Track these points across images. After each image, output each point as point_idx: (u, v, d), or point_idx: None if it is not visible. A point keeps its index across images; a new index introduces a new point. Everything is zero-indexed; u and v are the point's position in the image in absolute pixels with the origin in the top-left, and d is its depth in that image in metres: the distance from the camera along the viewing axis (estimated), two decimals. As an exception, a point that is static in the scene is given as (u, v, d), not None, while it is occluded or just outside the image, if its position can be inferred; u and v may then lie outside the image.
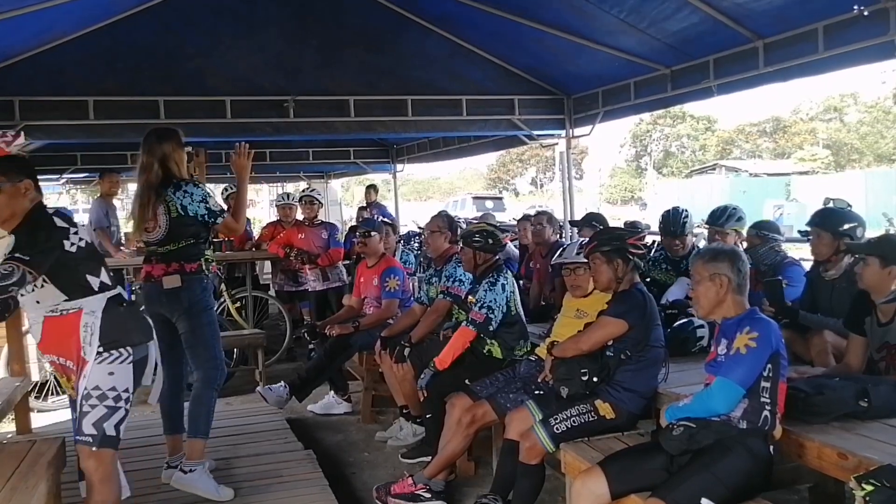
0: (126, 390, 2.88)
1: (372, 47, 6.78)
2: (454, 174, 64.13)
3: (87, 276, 2.89)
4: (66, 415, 5.91)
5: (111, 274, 3.01)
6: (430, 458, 4.30)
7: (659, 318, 3.57)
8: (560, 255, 4.20)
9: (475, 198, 29.07)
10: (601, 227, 5.77)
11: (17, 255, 2.67)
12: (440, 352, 4.74)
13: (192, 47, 6.30)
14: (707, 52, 5.55)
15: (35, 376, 5.88)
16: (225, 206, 4.03)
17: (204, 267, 3.85)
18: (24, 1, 4.52)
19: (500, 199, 30.92)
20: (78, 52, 5.86)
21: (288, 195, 8.36)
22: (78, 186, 18.80)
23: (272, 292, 8.13)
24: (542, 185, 55.24)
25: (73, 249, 2.83)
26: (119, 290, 3.01)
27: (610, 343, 3.48)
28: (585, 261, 3.78)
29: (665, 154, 52.70)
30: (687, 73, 5.88)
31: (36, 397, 5.85)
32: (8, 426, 5.14)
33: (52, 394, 6.22)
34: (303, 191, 7.88)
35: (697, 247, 5.38)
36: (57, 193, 21.04)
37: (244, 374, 6.63)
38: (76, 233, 2.86)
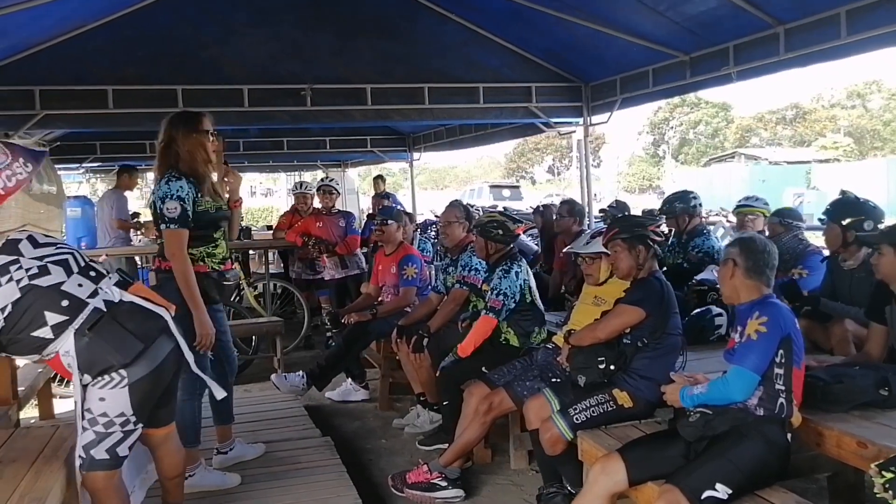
0: (121, 415, 2.63)
1: (387, 35, 6.78)
2: (471, 163, 64.08)
3: (33, 334, 2.58)
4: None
5: (67, 302, 2.61)
6: (447, 445, 4.31)
7: (676, 305, 3.55)
8: (573, 244, 4.18)
9: (492, 186, 28.98)
10: (620, 212, 5.79)
11: None
12: (457, 340, 4.76)
13: (208, 36, 6.34)
14: (727, 39, 5.49)
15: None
16: (191, 217, 3.56)
17: (208, 268, 3.64)
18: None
19: (518, 187, 30.77)
20: (97, 41, 5.91)
21: (304, 184, 8.39)
22: (98, 175, 18.94)
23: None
24: (559, 174, 55.02)
25: (1, 325, 2.54)
26: (84, 314, 2.62)
27: (627, 331, 3.46)
28: (593, 252, 3.78)
29: (682, 142, 52.30)
30: (706, 60, 5.83)
31: (58, 384, 5.92)
32: (31, 412, 5.21)
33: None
34: (320, 180, 7.90)
35: (707, 230, 5.42)
36: (77, 182, 21.22)
37: (262, 362, 6.68)
38: None
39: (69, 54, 5.87)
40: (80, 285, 2.66)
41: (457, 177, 62.15)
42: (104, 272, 2.81)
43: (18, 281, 2.56)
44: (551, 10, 5.93)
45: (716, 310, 4.21)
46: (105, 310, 2.66)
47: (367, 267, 7.24)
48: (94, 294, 2.67)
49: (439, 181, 59.53)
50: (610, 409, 3.43)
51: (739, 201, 5.13)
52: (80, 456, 2.67)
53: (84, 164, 11.96)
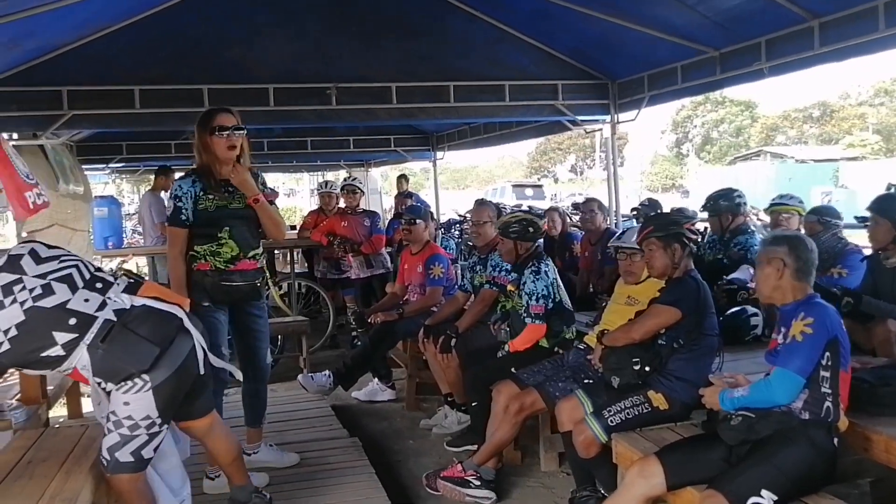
0: (146, 418, 2.59)
1: (412, 33, 6.71)
2: (492, 162, 63.95)
3: (43, 354, 2.53)
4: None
5: (74, 321, 2.55)
6: (476, 446, 4.26)
7: (713, 305, 3.47)
8: (619, 238, 4.10)
9: (515, 185, 28.90)
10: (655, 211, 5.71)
11: None
12: (486, 341, 4.72)
13: (232, 35, 6.31)
14: (758, 33, 5.36)
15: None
16: (189, 216, 3.58)
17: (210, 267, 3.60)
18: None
19: (540, 186, 30.65)
20: (123, 41, 5.90)
21: (329, 183, 8.37)
22: (123, 176, 19.10)
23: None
24: (581, 173, 54.76)
25: (6, 348, 2.48)
26: (94, 328, 2.57)
27: (662, 332, 3.39)
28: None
29: (705, 140, 51.82)
30: (737, 55, 5.69)
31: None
32: (59, 410, 5.22)
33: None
34: (344, 179, 7.88)
35: (752, 227, 5.31)
36: (103, 183, 21.41)
37: (288, 361, 6.66)
38: None
39: (96, 55, 5.86)
40: (86, 300, 2.60)
41: (478, 176, 62.06)
42: (111, 280, 2.75)
43: (22, 303, 2.50)
44: (578, 6, 5.84)
45: (751, 309, 4.11)
46: (116, 319, 2.61)
47: (392, 266, 7.20)
48: (102, 306, 2.62)
49: (460, 181, 59.44)
50: (645, 411, 3.36)
51: (773, 199, 5.02)
52: (104, 458, 2.65)
53: (110, 165, 12.04)
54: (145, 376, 2.57)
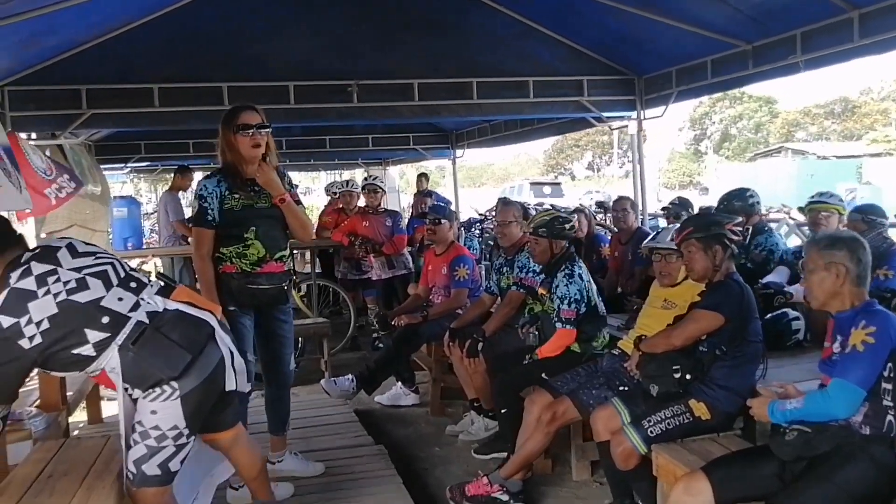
0: (173, 428, 2.49)
1: (434, 28, 6.60)
2: (508, 160, 63.71)
3: (73, 351, 2.45)
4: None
5: (108, 319, 2.47)
6: (505, 454, 4.14)
7: (757, 310, 3.31)
8: (653, 238, 3.95)
9: (533, 183, 28.68)
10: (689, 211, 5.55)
11: None
12: (514, 344, 4.58)
13: (253, 31, 6.23)
14: (794, 26, 5.19)
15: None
16: (215, 216, 3.47)
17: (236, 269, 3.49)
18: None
19: (559, 184, 30.41)
20: (143, 39, 5.83)
21: (350, 182, 8.26)
22: (141, 175, 19.13)
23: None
24: (598, 170, 54.43)
25: (38, 341, 2.39)
26: (127, 328, 2.49)
27: (704, 338, 3.24)
28: (679, 249, 3.53)
29: (723, 137, 51.33)
30: (770, 49, 5.53)
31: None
32: (79, 415, 5.14)
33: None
34: (365, 179, 7.76)
35: (768, 227, 5.16)
36: (121, 182, 21.47)
37: (309, 363, 6.55)
38: (29, 319, 2.38)
39: (115, 53, 5.80)
40: (120, 299, 2.53)
41: (493, 174, 61.88)
42: (146, 281, 2.69)
43: (56, 295, 2.43)
44: (604, -1, 5.69)
45: (792, 313, 3.94)
46: (148, 322, 2.53)
47: (413, 267, 7.08)
48: (135, 307, 2.54)
49: (476, 178, 59.24)
50: (686, 421, 3.21)
51: (812, 197, 4.84)
52: (130, 471, 2.54)
53: (129, 164, 12.01)
54: (174, 383, 2.48)
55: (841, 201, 4.78)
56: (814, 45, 5.13)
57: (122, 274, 2.62)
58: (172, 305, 2.63)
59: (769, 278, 4.49)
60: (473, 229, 10.51)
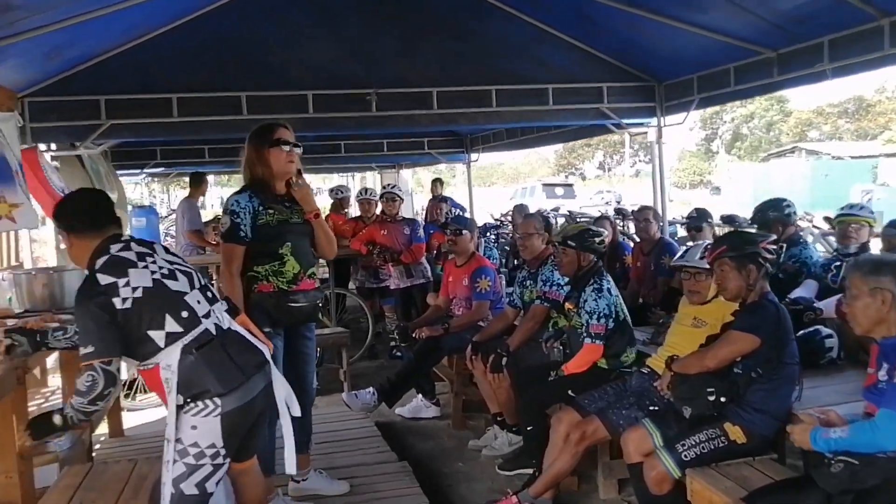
0: (212, 446, 2.53)
1: (453, 35, 6.54)
2: (519, 159, 63.46)
3: (149, 332, 2.51)
4: (154, 414, 5.92)
5: (186, 314, 2.57)
6: (531, 470, 4.09)
7: (793, 331, 3.25)
8: (682, 256, 3.88)
9: (545, 185, 28.59)
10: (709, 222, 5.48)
11: (82, 350, 2.42)
12: (538, 359, 4.53)
13: (272, 39, 6.19)
14: (821, 33, 5.10)
15: (124, 374, 5.90)
16: (247, 232, 3.41)
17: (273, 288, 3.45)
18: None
19: (571, 185, 30.29)
20: (162, 49, 5.80)
21: (368, 190, 8.22)
22: (155, 178, 19.17)
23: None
24: (609, 170, 54.26)
25: (128, 305, 2.48)
26: (196, 331, 2.57)
27: (738, 359, 3.18)
28: (709, 267, 3.47)
29: (735, 136, 51.04)
30: (796, 56, 5.43)
31: (125, 396, 5.85)
32: (100, 427, 5.13)
33: (141, 392, 6.24)
34: (384, 187, 7.71)
35: (804, 239, 5.07)
36: (134, 184, 21.54)
37: (327, 374, 6.51)
38: (127, 283, 2.49)
39: (133, 63, 5.77)
40: (198, 301, 2.65)
41: (504, 174, 61.76)
42: (217, 296, 2.80)
43: (153, 272, 2.57)
44: (624, 6, 5.62)
45: (825, 330, 3.86)
46: (214, 334, 2.62)
47: (432, 276, 7.02)
48: (207, 315, 2.65)
49: (486, 178, 59.10)
50: (721, 444, 3.15)
51: (842, 209, 4.77)
52: (169, 491, 2.55)
53: (145, 170, 12.01)
54: (217, 400, 2.52)
55: (871, 213, 4.70)
56: (842, 52, 5.03)
57: (201, 283, 2.74)
58: (235, 327, 2.74)
59: (797, 292, 4.41)
60: (489, 234, 10.44)
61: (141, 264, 2.57)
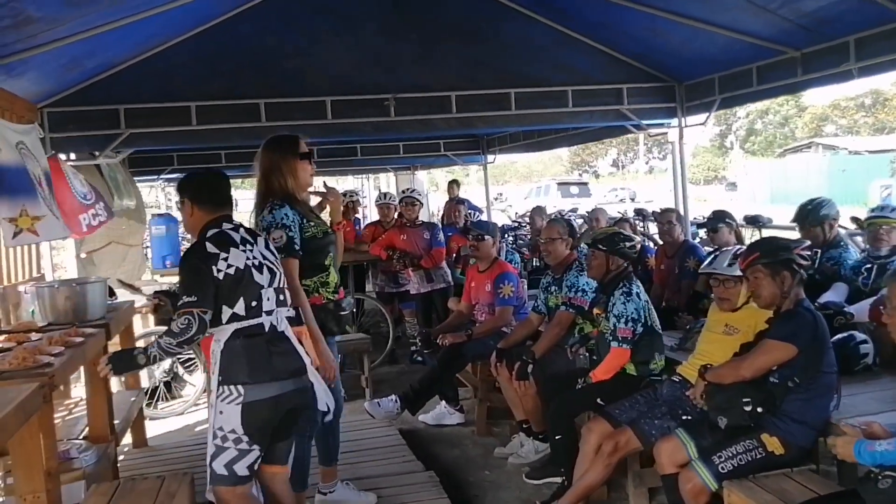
0: (233, 431, 2.75)
1: (472, 39, 6.49)
2: (533, 157, 63.01)
3: (223, 304, 2.77)
4: (176, 423, 5.92)
5: (255, 303, 2.82)
6: (560, 479, 4.04)
7: (830, 340, 3.18)
8: (710, 263, 3.81)
9: (560, 184, 28.48)
10: (729, 223, 5.39)
11: (185, 298, 2.67)
12: (564, 365, 4.48)
13: (290, 46, 6.16)
14: (847, 32, 5.00)
15: (145, 382, 5.89)
16: (299, 245, 3.41)
17: (323, 299, 3.49)
18: (131, 9, 4.42)
19: (586, 184, 30.14)
20: (180, 57, 5.78)
21: (388, 195, 8.18)
22: (171, 183, 19.21)
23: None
24: (623, 167, 54.01)
25: (220, 277, 2.76)
26: (253, 321, 2.81)
27: (774, 368, 3.11)
28: (739, 274, 3.40)
29: (749, 131, 50.65)
30: (821, 56, 5.34)
31: (147, 404, 5.84)
32: (124, 438, 5.12)
33: (163, 400, 6.24)
34: (402, 191, 7.67)
35: (844, 241, 4.94)
36: (149, 186, 21.59)
37: (349, 380, 6.47)
38: (226, 258, 2.78)
39: (151, 71, 5.75)
40: (268, 298, 2.87)
41: (517, 172, 61.56)
42: (287, 302, 3.01)
43: (247, 258, 2.84)
44: (644, 7, 5.54)
45: (860, 336, 3.78)
46: (267, 330, 2.84)
47: (452, 280, 6.97)
48: (270, 312, 2.87)
49: (499, 176, 58.93)
50: (759, 456, 3.09)
51: (872, 210, 4.67)
52: (209, 469, 2.79)
53: (162, 176, 12.03)
54: (241, 388, 2.75)
55: (903, 215, 4.59)
56: (868, 52, 4.94)
57: (279, 285, 2.97)
58: (289, 333, 2.95)
59: (827, 296, 4.31)
60: (507, 236, 10.38)
61: (241, 248, 2.84)
